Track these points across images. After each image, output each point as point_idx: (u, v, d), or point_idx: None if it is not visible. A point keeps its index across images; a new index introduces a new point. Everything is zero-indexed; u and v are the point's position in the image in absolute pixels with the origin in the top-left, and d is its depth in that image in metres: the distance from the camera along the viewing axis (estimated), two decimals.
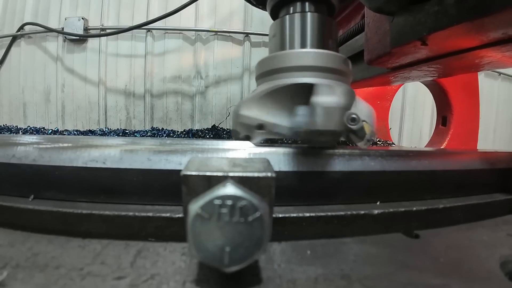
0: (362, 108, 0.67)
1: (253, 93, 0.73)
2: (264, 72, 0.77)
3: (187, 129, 3.42)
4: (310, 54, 0.73)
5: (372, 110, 0.69)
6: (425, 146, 2.82)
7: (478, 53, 0.70)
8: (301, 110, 0.60)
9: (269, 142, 0.71)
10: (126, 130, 3.04)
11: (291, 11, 0.83)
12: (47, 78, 3.70)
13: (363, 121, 0.63)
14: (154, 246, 0.53)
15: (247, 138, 0.70)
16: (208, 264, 0.37)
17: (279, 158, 0.63)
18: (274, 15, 0.90)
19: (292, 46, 0.80)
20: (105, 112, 3.73)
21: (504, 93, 4.47)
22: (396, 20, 0.73)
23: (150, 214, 0.55)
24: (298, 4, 0.83)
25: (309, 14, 0.81)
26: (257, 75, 0.81)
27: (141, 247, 0.52)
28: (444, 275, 0.47)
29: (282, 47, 0.82)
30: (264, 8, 0.95)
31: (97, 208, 0.56)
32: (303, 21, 0.81)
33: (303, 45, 0.80)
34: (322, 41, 0.81)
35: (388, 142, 2.48)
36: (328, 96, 0.64)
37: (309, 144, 0.73)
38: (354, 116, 0.62)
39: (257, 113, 0.68)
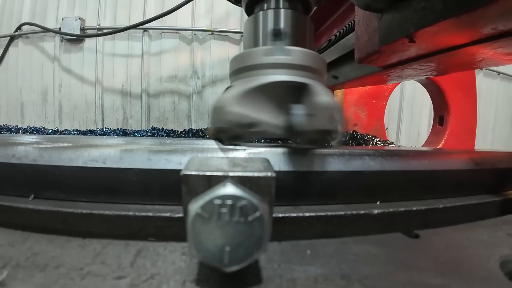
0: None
1: (236, 88, 0.69)
2: (244, 68, 0.74)
3: (187, 128, 3.42)
4: (298, 53, 0.72)
5: (342, 110, 0.69)
6: (421, 146, 2.82)
7: (469, 50, 0.69)
8: (299, 109, 0.59)
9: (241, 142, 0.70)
10: (126, 129, 3.04)
11: (265, 8, 0.82)
12: (45, 78, 3.71)
13: (337, 121, 0.64)
14: (154, 245, 0.53)
15: (235, 137, 0.68)
16: (208, 264, 0.37)
17: (279, 158, 0.63)
18: (249, 12, 0.89)
19: (266, 43, 0.79)
20: (102, 111, 3.73)
21: (503, 93, 4.48)
22: (384, 17, 0.73)
23: (150, 213, 0.55)
24: (272, 0, 0.82)
25: (282, 10, 0.80)
26: (234, 70, 0.77)
27: (141, 247, 0.52)
28: (444, 275, 0.47)
29: (255, 43, 0.81)
30: (240, 5, 0.94)
31: (97, 208, 0.56)
32: (276, 17, 0.80)
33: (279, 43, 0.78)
34: (302, 39, 0.80)
35: (388, 142, 2.48)
36: (326, 96, 0.64)
37: (298, 143, 0.73)
38: (332, 116, 0.63)
39: (249, 111, 0.66)
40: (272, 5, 0.81)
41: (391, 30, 0.70)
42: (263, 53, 0.71)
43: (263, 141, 1.73)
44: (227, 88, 0.72)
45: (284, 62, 0.69)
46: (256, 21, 0.82)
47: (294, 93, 0.65)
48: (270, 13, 0.80)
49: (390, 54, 0.80)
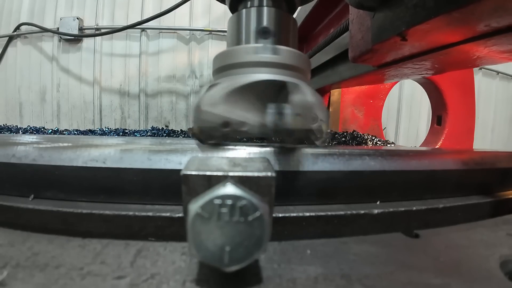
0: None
1: (220, 86, 0.67)
2: (228, 65, 0.73)
3: (185, 129, 3.42)
4: (283, 51, 0.71)
5: (327, 109, 0.68)
6: (419, 146, 2.82)
7: (463, 49, 0.68)
8: (285, 109, 0.59)
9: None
10: (126, 129, 3.04)
11: (249, 5, 0.81)
12: (43, 78, 3.72)
13: (321, 120, 0.64)
14: (154, 245, 0.53)
15: (218, 137, 0.66)
16: (208, 264, 0.37)
17: (279, 158, 0.63)
18: (233, 9, 0.88)
19: (249, 41, 0.78)
20: (100, 111, 3.74)
21: (502, 92, 4.49)
22: (376, 16, 0.73)
23: (150, 213, 0.55)
24: None
25: (267, 8, 0.79)
26: (217, 68, 0.76)
27: (141, 247, 0.52)
28: (444, 274, 0.47)
29: (239, 41, 0.80)
30: (225, 2, 0.93)
31: (97, 208, 0.56)
32: (260, 15, 0.79)
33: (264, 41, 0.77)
34: (286, 38, 0.80)
35: (388, 142, 2.48)
36: (311, 95, 0.64)
37: (283, 143, 0.72)
38: (314, 115, 0.63)
39: (233, 110, 0.64)
40: (256, 3, 0.80)
41: (383, 28, 0.70)
42: (248, 51, 0.70)
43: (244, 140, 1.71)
44: (210, 86, 0.70)
45: (269, 60, 0.68)
46: (240, 18, 0.81)
47: (280, 92, 0.65)
48: (255, 11, 0.79)
49: (383, 53, 0.80)
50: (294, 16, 0.86)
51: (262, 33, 0.77)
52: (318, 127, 0.64)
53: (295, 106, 0.60)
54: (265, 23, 0.77)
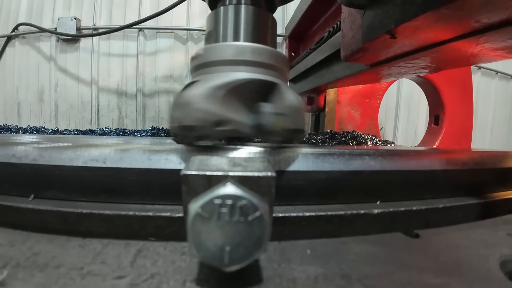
0: None
1: (203, 84, 0.65)
2: (209, 63, 0.71)
3: None
4: (265, 51, 0.71)
5: (303, 109, 0.69)
6: (417, 146, 2.81)
7: (454, 46, 0.68)
8: (270, 108, 0.59)
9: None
10: (126, 129, 3.03)
11: (228, 3, 0.80)
12: (41, 78, 3.70)
13: None
14: (154, 245, 0.53)
15: (202, 136, 0.63)
16: (208, 264, 0.37)
17: (279, 158, 0.63)
18: (212, 6, 0.86)
19: (227, 39, 0.77)
20: (98, 111, 3.73)
21: (502, 92, 4.48)
22: (366, 14, 0.73)
23: (150, 213, 0.55)
24: None
25: (246, 6, 0.78)
26: (197, 65, 0.75)
27: (141, 247, 0.52)
28: (444, 274, 0.47)
29: (217, 39, 0.79)
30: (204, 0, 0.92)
31: (97, 208, 0.56)
32: (239, 13, 0.78)
33: (255, 40, 0.76)
34: (265, 37, 0.79)
35: (388, 142, 2.48)
36: (293, 95, 0.64)
37: (267, 142, 0.73)
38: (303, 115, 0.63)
39: (218, 109, 0.62)
40: (235, 0, 0.80)
41: (373, 26, 0.70)
42: (229, 49, 0.70)
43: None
44: (190, 83, 0.68)
45: (251, 59, 0.68)
46: (219, 16, 0.80)
47: (263, 91, 0.65)
48: (233, 8, 0.79)
49: (374, 51, 0.80)
50: (290, 16, 0.86)
51: (238, 31, 0.77)
52: (303, 127, 0.65)
53: (280, 106, 0.60)
54: (243, 20, 0.77)
